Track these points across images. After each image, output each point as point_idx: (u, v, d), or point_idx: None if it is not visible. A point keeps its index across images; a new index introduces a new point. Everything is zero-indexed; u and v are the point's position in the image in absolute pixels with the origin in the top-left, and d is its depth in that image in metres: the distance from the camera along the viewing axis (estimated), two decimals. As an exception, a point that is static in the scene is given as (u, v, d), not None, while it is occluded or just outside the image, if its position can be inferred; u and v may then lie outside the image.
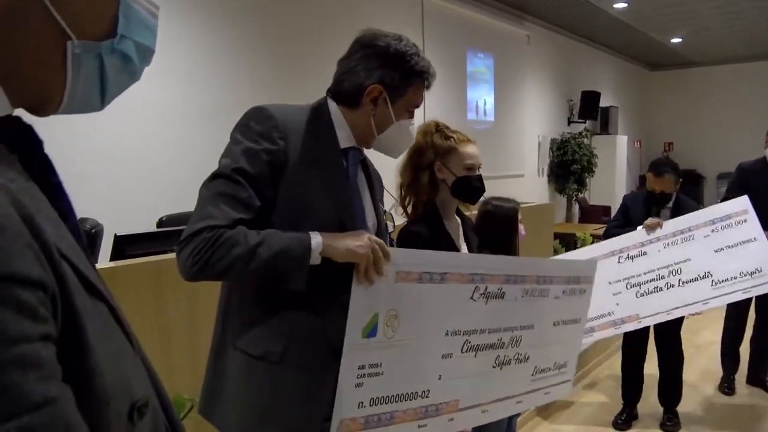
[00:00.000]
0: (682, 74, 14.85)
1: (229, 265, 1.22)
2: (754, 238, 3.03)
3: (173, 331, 1.99)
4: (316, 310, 1.33)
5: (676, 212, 3.28)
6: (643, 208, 3.33)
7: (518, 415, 2.54)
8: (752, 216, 3.05)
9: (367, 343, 1.29)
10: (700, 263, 2.98)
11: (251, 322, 1.35)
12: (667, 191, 3.28)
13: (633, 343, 3.56)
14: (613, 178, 11.49)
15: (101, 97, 0.56)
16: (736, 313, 3.91)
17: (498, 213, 2.45)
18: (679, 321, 3.40)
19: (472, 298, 1.48)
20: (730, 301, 3.03)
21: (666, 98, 15.15)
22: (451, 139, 2.03)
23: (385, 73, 1.37)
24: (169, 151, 4.28)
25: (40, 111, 0.54)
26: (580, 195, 10.66)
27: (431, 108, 7.48)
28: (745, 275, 2.99)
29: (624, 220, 3.39)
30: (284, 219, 1.31)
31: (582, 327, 1.88)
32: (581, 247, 4.79)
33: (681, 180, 3.38)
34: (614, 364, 4.23)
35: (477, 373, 1.54)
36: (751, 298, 3.74)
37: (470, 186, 2.03)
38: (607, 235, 3.34)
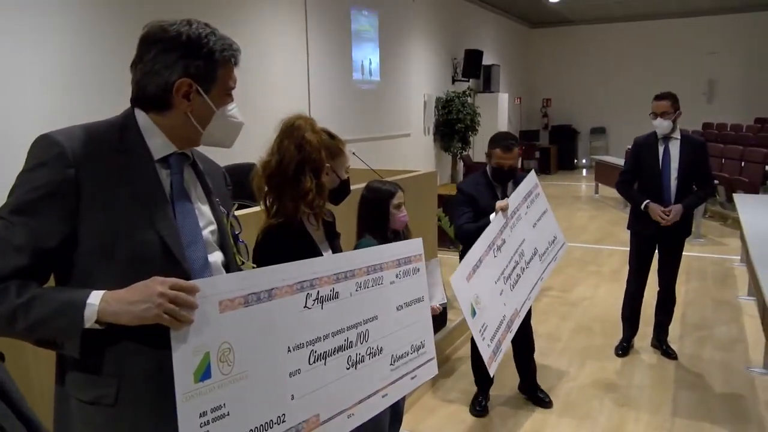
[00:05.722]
0: (560, 32, 15.40)
1: None
2: (546, 210, 3.14)
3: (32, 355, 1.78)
4: (147, 343, 1.20)
5: (515, 185, 3.09)
6: (488, 192, 3.08)
7: (404, 398, 2.52)
8: (541, 189, 3.14)
9: (202, 387, 1.17)
10: (529, 240, 2.93)
11: (79, 366, 1.21)
12: (515, 166, 3.10)
13: None
14: (496, 136, 11.79)
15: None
16: (635, 279, 4.00)
17: (371, 197, 2.40)
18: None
19: (306, 306, 1.43)
20: (549, 272, 3.00)
21: (545, 56, 15.69)
22: (336, 139, 1.92)
23: (188, 64, 1.24)
24: (46, 123, 3.87)
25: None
26: (465, 153, 10.90)
27: (316, 70, 7.27)
28: (551, 244, 3.12)
29: (474, 212, 3.04)
30: (95, 249, 1.18)
31: (427, 304, 1.87)
32: (444, 224, 4.84)
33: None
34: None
35: (332, 380, 1.49)
36: (650, 267, 3.91)
37: (346, 190, 1.96)
38: (464, 232, 3.01)
